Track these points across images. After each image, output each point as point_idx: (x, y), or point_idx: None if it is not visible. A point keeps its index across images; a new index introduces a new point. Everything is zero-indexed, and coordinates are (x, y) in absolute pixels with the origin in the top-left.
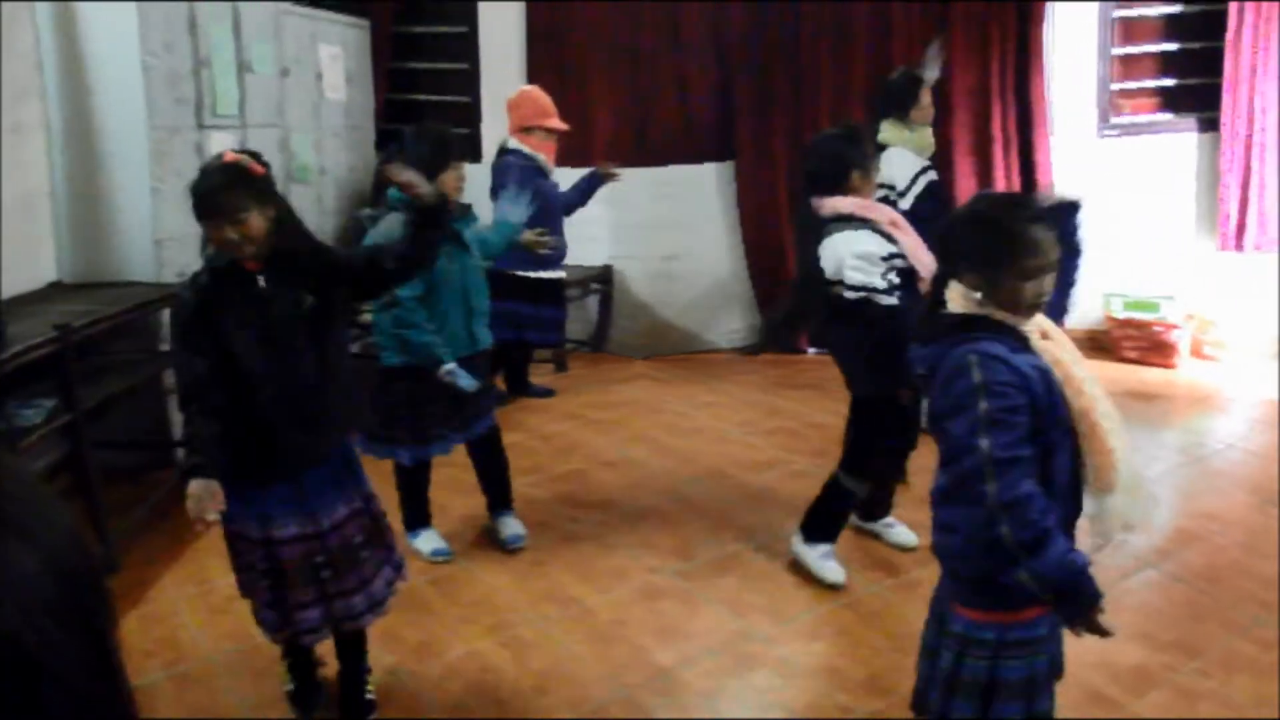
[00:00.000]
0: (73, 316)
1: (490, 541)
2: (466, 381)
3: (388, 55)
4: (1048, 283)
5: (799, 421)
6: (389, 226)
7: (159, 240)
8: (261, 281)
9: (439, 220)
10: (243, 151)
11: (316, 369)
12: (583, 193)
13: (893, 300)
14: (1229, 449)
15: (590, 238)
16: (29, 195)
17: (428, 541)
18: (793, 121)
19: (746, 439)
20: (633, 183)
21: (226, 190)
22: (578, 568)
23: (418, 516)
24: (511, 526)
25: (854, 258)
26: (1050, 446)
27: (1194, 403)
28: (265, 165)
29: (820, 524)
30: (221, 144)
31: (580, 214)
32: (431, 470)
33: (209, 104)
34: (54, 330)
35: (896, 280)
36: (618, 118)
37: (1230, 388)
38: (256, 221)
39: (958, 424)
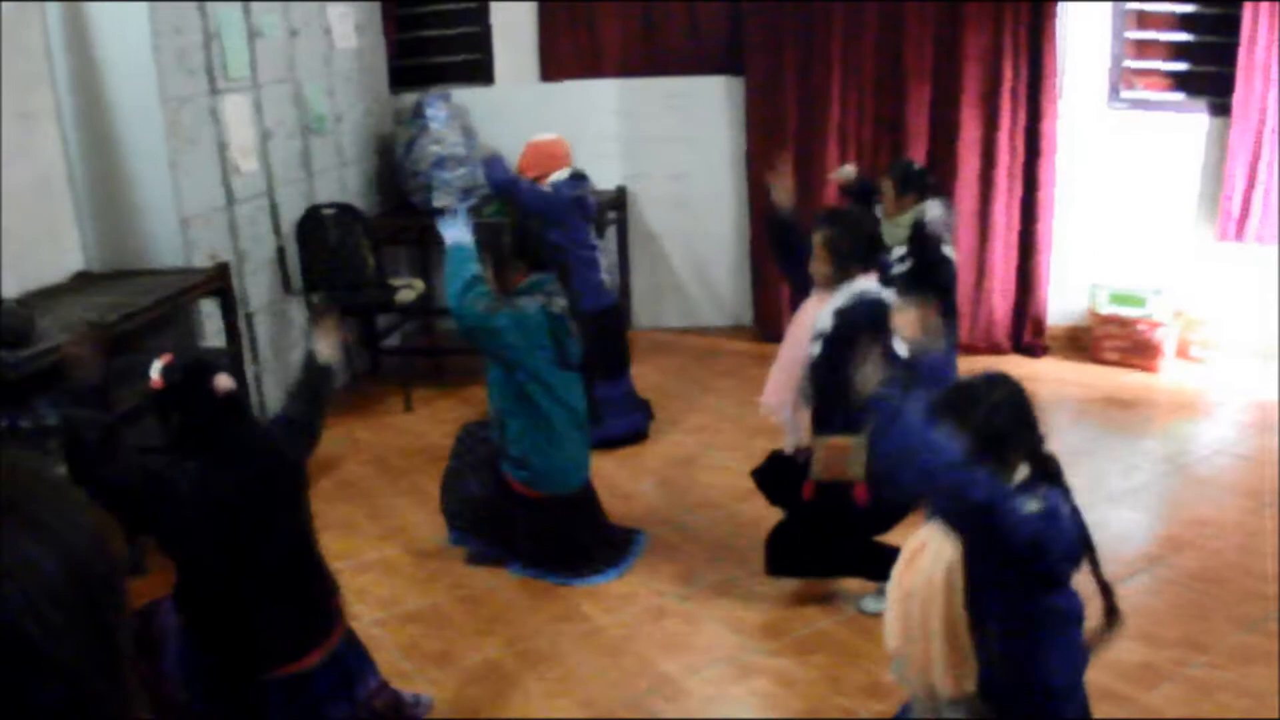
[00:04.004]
0: (104, 310)
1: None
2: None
3: (397, 1)
4: None
5: (774, 442)
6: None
7: (185, 220)
8: None
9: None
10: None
11: None
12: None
13: None
14: (1216, 455)
15: (604, 154)
16: (45, 181)
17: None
18: (803, 37)
19: (733, 466)
20: (644, 92)
21: None
22: (591, 592)
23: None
24: None
25: None
26: None
27: (1177, 408)
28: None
29: None
30: (236, 108)
31: (593, 130)
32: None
33: (220, 69)
34: (88, 327)
35: None
36: (627, 29)
37: (1215, 391)
38: None
39: None
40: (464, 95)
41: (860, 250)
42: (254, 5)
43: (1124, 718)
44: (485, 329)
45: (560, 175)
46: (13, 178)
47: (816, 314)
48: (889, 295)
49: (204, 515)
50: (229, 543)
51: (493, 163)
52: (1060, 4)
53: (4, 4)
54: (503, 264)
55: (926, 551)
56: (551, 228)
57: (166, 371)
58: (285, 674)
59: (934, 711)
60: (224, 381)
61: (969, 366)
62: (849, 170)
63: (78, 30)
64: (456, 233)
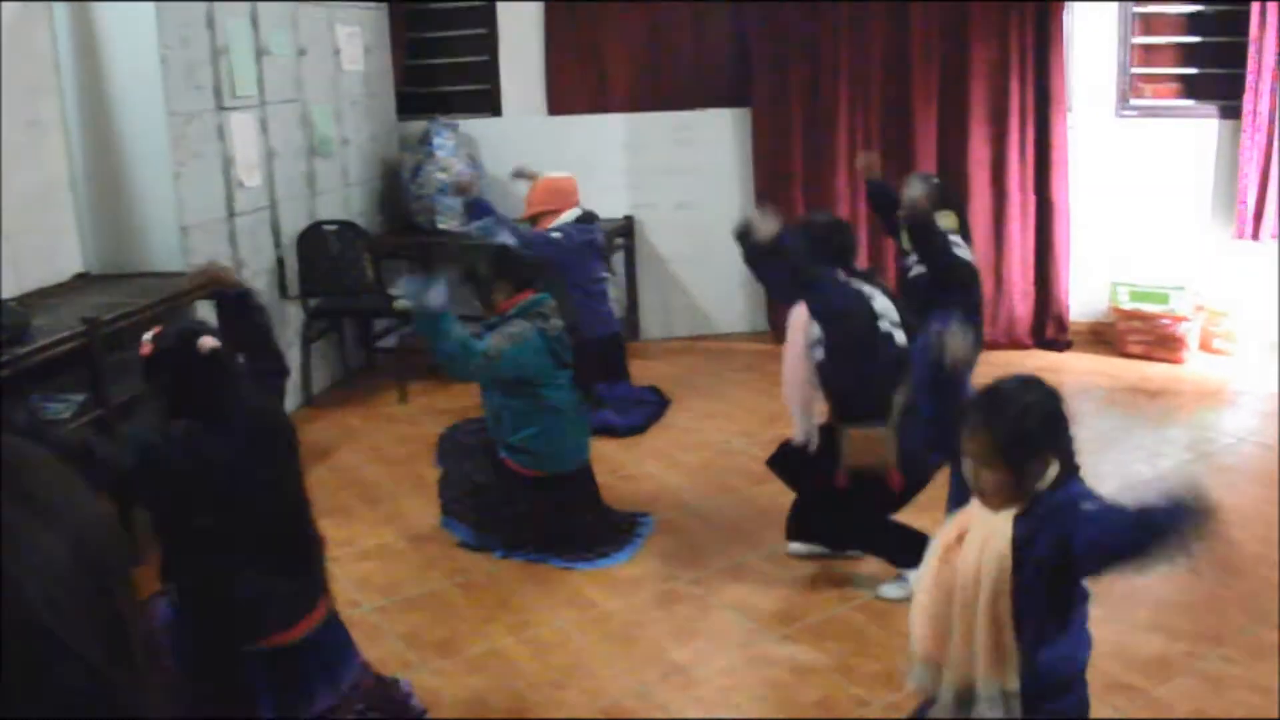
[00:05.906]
0: (100, 309)
1: None
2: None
3: (405, 24)
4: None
5: (788, 428)
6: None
7: (184, 228)
8: None
9: None
10: None
11: None
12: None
13: None
14: (1240, 443)
15: (611, 186)
16: (49, 186)
17: None
18: (809, 64)
19: (748, 451)
20: (651, 126)
21: None
22: (597, 576)
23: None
24: None
25: None
26: None
27: (1201, 397)
28: None
29: None
30: (242, 125)
31: (601, 163)
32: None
33: (228, 87)
34: (81, 323)
35: None
36: (634, 62)
37: (1239, 381)
38: None
39: None
40: (471, 126)
41: (828, 255)
42: (263, 22)
43: (1134, 713)
44: (486, 374)
45: (569, 215)
46: (17, 182)
47: (804, 319)
48: (867, 288)
49: (196, 476)
50: (219, 504)
51: (488, 223)
52: (1066, 4)
53: (12, 10)
54: (487, 289)
55: (968, 544)
56: (565, 271)
57: (156, 338)
58: (271, 645)
59: (963, 711)
60: (208, 342)
61: (993, 361)
62: (872, 158)
63: (85, 39)
64: (427, 298)
